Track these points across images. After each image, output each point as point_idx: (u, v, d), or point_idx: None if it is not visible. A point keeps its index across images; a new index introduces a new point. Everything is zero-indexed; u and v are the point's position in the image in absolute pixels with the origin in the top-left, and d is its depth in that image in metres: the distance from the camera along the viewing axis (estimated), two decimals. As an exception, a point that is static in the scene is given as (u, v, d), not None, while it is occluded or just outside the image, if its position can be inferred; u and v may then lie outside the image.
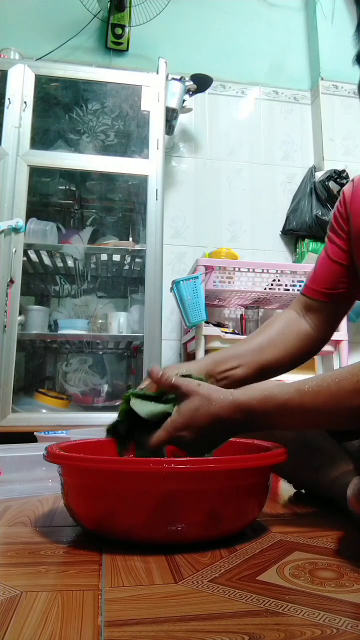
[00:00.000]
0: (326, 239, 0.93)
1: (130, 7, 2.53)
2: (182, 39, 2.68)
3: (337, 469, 0.76)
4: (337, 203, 0.93)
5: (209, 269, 2.11)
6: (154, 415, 0.66)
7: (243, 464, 0.61)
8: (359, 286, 0.88)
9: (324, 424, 0.69)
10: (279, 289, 2.17)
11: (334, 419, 0.62)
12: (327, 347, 2.09)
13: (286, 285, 2.18)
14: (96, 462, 0.61)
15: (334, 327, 0.93)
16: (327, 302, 0.89)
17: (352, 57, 0.66)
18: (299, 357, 0.88)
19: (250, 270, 2.14)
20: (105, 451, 0.78)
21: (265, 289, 2.17)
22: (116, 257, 2.19)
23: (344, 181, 2.43)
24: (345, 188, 0.92)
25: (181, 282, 2.04)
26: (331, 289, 0.89)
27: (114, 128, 2.35)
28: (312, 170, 2.62)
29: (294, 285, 2.18)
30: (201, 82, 2.43)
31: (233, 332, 2.26)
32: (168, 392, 0.67)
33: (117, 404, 2.15)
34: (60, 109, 2.26)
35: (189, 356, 2.31)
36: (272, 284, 2.17)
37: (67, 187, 2.35)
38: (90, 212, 2.39)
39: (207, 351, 2.06)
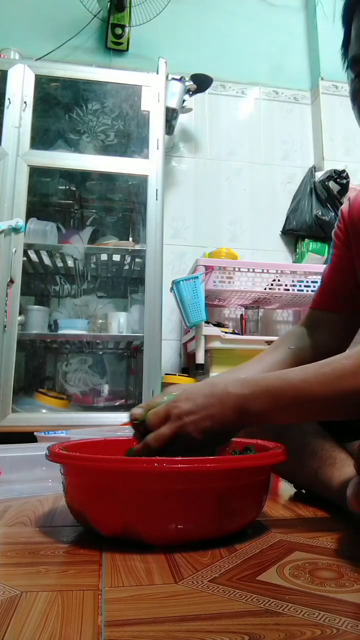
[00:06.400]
0: (329, 257, 0.96)
1: (130, 7, 2.53)
2: (182, 39, 2.68)
3: (337, 469, 0.76)
4: (336, 222, 0.97)
5: (209, 269, 2.11)
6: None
7: (243, 463, 0.62)
8: None
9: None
10: (279, 289, 2.17)
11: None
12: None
13: (286, 285, 2.18)
14: (95, 461, 0.61)
15: (345, 341, 0.92)
16: (334, 313, 0.91)
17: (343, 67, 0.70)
18: None
19: (250, 270, 2.14)
20: (104, 451, 0.78)
21: (265, 289, 2.17)
22: (116, 257, 2.19)
23: (344, 181, 2.43)
24: (343, 207, 0.96)
25: (181, 282, 2.04)
26: (337, 298, 0.91)
27: (114, 128, 2.35)
28: (312, 170, 2.62)
29: (294, 285, 2.18)
30: (201, 82, 2.43)
31: (233, 332, 2.26)
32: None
33: (117, 404, 2.15)
34: (60, 109, 2.26)
35: (189, 356, 2.31)
36: (272, 284, 2.17)
37: (67, 187, 2.35)
38: (90, 212, 2.39)
39: (207, 351, 2.06)
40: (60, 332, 2.06)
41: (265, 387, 0.64)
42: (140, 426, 0.68)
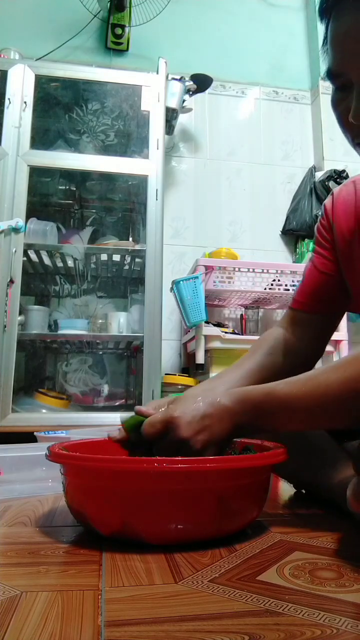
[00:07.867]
0: (312, 253, 0.92)
1: (130, 7, 2.53)
2: (182, 39, 2.68)
3: (337, 469, 0.76)
4: (319, 217, 0.93)
5: (209, 269, 2.11)
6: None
7: (243, 463, 0.62)
8: (347, 297, 0.88)
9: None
10: (279, 289, 2.18)
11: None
12: (328, 347, 2.10)
13: (286, 285, 2.18)
14: (94, 461, 0.61)
15: (324, 342, 0.91)
16: (316, 315, 0.88)
17: (322, 74, 0.67)
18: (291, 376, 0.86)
19: (250, 270, 2.14)
20: (104, 451, 0.78)
21: (265, 289, 2.17)
22: (116, 257, 2.19)
23: (344, 181, 2.43)
24: (326, 202, 0.93)
25: (181, 282, 2.04)
26: (320, 301, 0.88)
27: (114, 128, 2.35)
28: (312, 170, 2.62)
29: (294, 285, 2.18)
30: (201, 82, 2.43)
31: (233, 332, 2.26)
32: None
33: (117, 404, 2.15)
34: (60, 109, 2.26)
35: (189, 356, 2.31)
36: (272, 284, 2.17)
37: (67, 187, 2.35)
38: (90, 212, 2.39)
39: (207, 351, 2.06)
40: (60, 332, 2.06)
41: (250, 403, 0.65)
42: (131, 436, 0.69)
